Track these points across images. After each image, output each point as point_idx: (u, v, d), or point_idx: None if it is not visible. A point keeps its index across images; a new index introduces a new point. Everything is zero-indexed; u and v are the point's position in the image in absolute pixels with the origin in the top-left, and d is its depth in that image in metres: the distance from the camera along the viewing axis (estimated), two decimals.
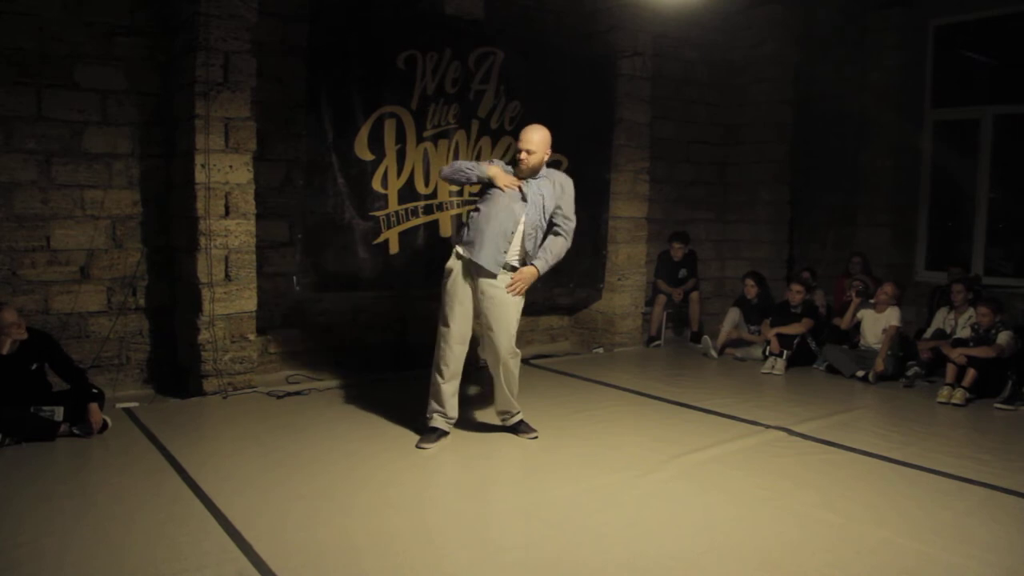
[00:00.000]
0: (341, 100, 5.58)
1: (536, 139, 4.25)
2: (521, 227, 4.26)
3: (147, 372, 5.54)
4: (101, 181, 5.26)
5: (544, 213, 4.33)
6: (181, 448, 4.14)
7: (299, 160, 5.71)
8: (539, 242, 4.36)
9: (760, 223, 8.42)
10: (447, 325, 4.31)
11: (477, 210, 4.35)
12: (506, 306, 4.27)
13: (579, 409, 5.19)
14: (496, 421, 4.60)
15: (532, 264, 4.31)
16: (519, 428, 4.52)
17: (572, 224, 4.43)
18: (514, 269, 4.30)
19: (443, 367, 4.30)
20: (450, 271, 4.35)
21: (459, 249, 4.34)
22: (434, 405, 4.36)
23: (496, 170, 4.28)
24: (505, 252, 4.25)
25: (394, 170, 5.88)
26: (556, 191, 4.36)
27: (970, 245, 7.71)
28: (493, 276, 4.24)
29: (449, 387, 4.33)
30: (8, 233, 4.97)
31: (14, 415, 4.14)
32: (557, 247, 4.39)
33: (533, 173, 4.30)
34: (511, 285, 4.27)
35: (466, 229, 4.37)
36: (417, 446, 4.25)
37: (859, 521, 3.39)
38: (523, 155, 4.24)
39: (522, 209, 4.25)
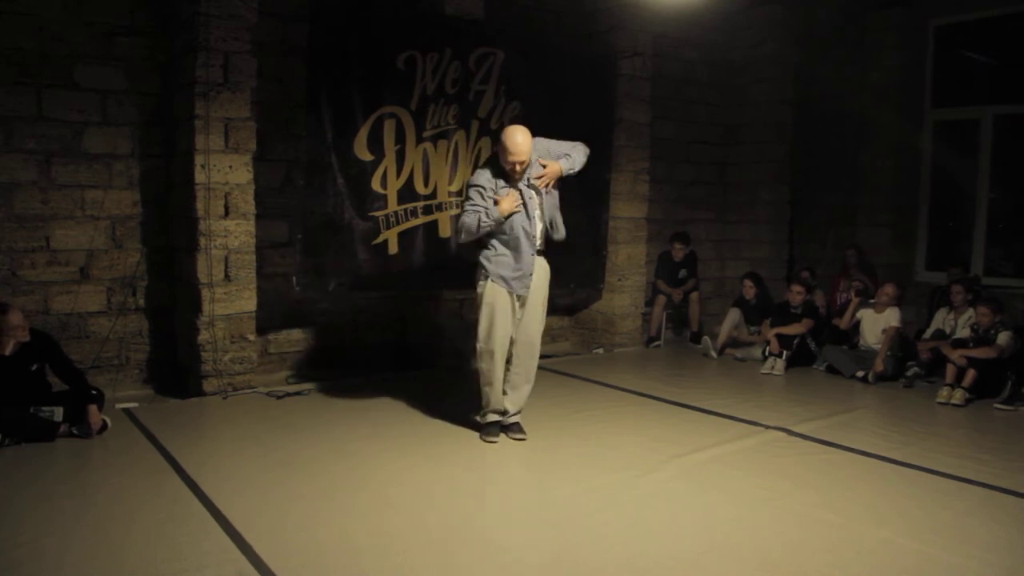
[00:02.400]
0: (341, 100, 5.58)
1: (528, 147, 4.15)
2: (539, 227, 4.31)
3: (147, 372, 5.54)
4: (101, 181, 5.26)
5: (544, 200, 4.32)
6: (181, 448, 4.14)
7: (299, 160, 5.71)
8: (551, 225, 4.40)
9: (760, 223, 8.43)
10: (491, 337, 4.31)
11: (491, 247, 4.31)
12: (538, 307, 4.42)
13: (579, 409, 5.19)
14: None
15: (558, 162, 4.30)
16: (512, 428, 4.53)
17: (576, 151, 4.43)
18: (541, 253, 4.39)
19: (491, 382, 4.38)
20: (481, 294, 4.34)
21: (492, 278, 4.30)
22: (488, 406, 4.48)
23: (506, 205, 4.17)
24: (529, 275, 4.30)
25: (393, 170, 5.87)
26: (541, 157, 4.31)
27: (970, 245, 7.70)
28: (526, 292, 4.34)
29: (499, 398, 4.45)
30: (8, 233, 4.97)
31: (14, 415, 4.14)
32: (580, 157, 4.41)
33: (524, 176, 4.27)
34: (540, 177, 4.25)
35: (488, 259, 4.32)
36: (484, 439, 4.44)
37: (859, 521, 3.39)
38: (518, 167, 4.16)
39: (529, 222, 4.26)
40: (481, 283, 4.35)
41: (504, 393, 4.48)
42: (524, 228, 4.25)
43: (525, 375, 4.50)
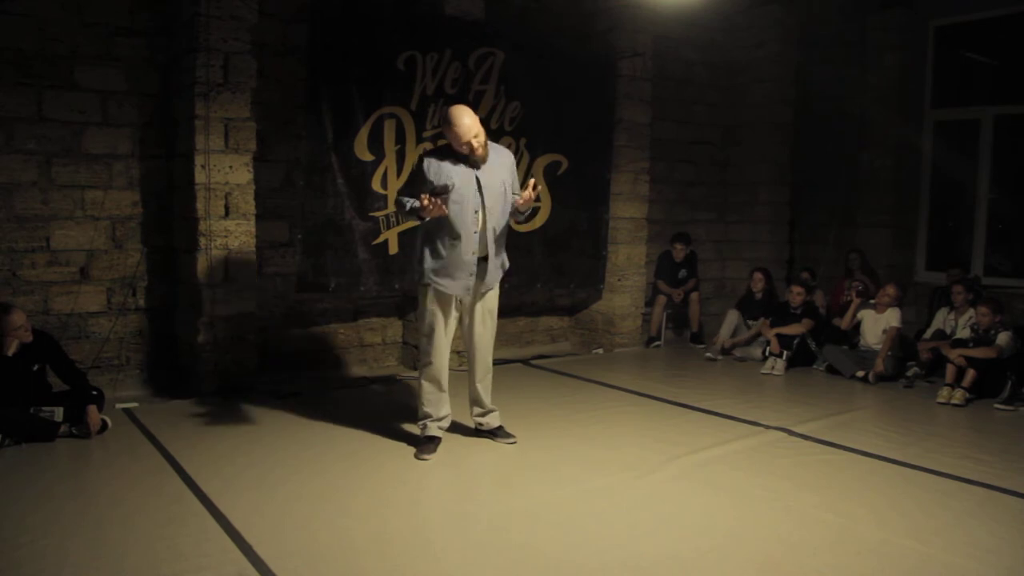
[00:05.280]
0: (341, 101, 5.58)
1: (478, 125, 3.92)
2: (486, 226, 4.02)
3: (147, 372, 5.54)
4: (101, 182, 5.26)
5: (507, 198, 4.10)
6: (181, 449, 4.14)
7: (299, 161, 5.71)
8: (505, 230, 4.18)
9: (760, 223, 8.43)
10: (433, 333, 4.12)
11: (433, 233, 4.01)
12: (487, 316, 4.23)
13: (579, 410, 5.19)
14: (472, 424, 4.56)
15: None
16: (498, 433, 4.44)
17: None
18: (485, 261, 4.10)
19: (433, 377, 4.18)
20: (421, 301, 4.17)
21: (428, 279, 4.07)
22: (426, 411, 4.23)
23: (432, 210, 3.81)
24: (472, 274, 4.03)
25: (394, 170, 5.88)
26: (510, 167, 4.16)
27: (970, 245, 7.71)
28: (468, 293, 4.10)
29: (442, 394, 4.24)
30: (8, 234, 4.98)
31: (14, 416, 4.14)
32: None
33: (487, 155, 4.02)
34: (525, 199, 3.99)
35: (427, 252, 4.06)
36: (417, 457, 4.12)
37: (859, 521, 3.39)
38: (475, 143, 3.91)
39: (479, 212, 3.99)
40: (420, 288, 4.13)
41: (474, 404, 4.41)
42: (472, 217, 3.95)
43: (485, 390, 4.35)
